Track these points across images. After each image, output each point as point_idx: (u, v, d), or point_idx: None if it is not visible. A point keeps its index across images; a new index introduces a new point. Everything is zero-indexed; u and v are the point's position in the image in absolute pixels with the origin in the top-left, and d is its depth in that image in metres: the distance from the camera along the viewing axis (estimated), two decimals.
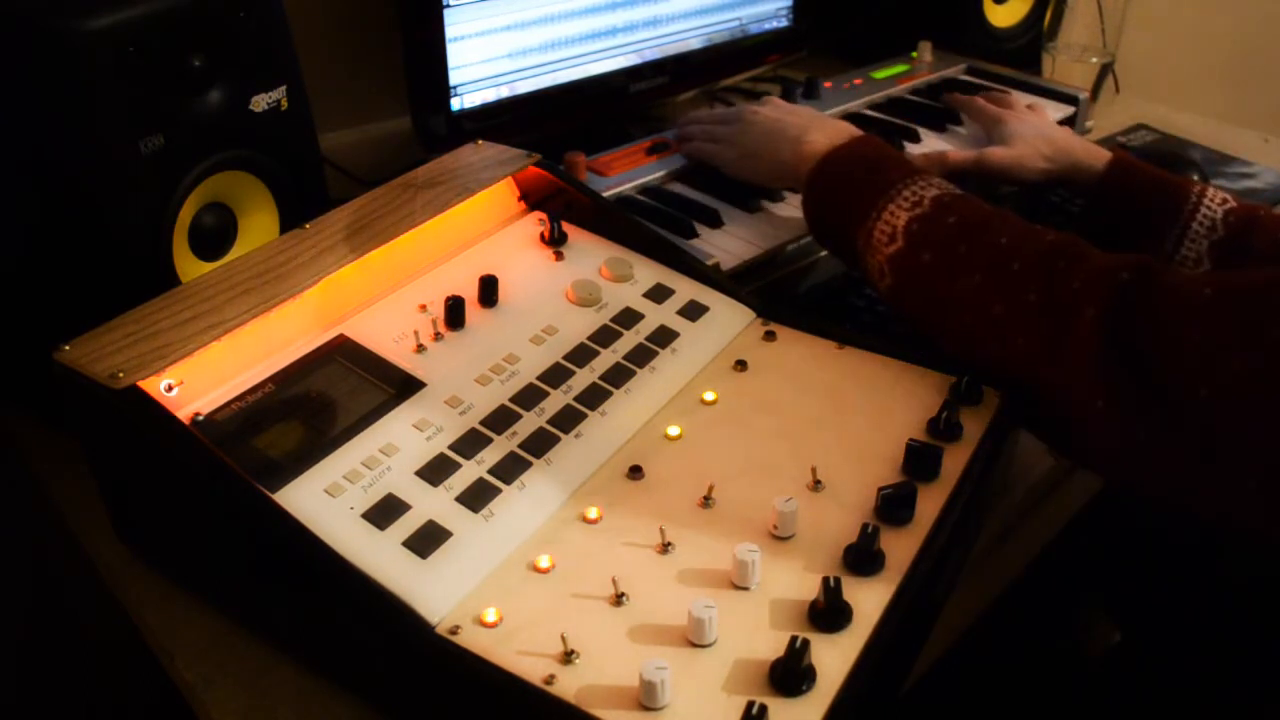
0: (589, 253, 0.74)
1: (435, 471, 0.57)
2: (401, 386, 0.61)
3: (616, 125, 1.12)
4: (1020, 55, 1.33)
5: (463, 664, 0.48)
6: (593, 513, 0.56)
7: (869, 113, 1.12)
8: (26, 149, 0.67)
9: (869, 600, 0.52)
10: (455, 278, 0.70)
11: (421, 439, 0.58)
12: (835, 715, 0.46)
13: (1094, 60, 1.28)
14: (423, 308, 0.67)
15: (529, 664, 0.48)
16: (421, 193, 0.72)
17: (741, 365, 0.68)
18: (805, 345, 0.70)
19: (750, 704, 0.44)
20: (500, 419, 0.60)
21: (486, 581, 0.52)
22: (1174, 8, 1.64)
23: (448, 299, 0.66)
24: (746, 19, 1.19)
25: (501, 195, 0.76)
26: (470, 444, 0.59)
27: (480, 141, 0.79)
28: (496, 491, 0.56)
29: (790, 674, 0.47)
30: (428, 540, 0.53)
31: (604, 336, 0.68)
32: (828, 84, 1.15)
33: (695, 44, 1.15)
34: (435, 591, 0.51)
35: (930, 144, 1.05)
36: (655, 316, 0.70)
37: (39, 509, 0.78)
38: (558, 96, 1.04)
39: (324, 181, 0.81)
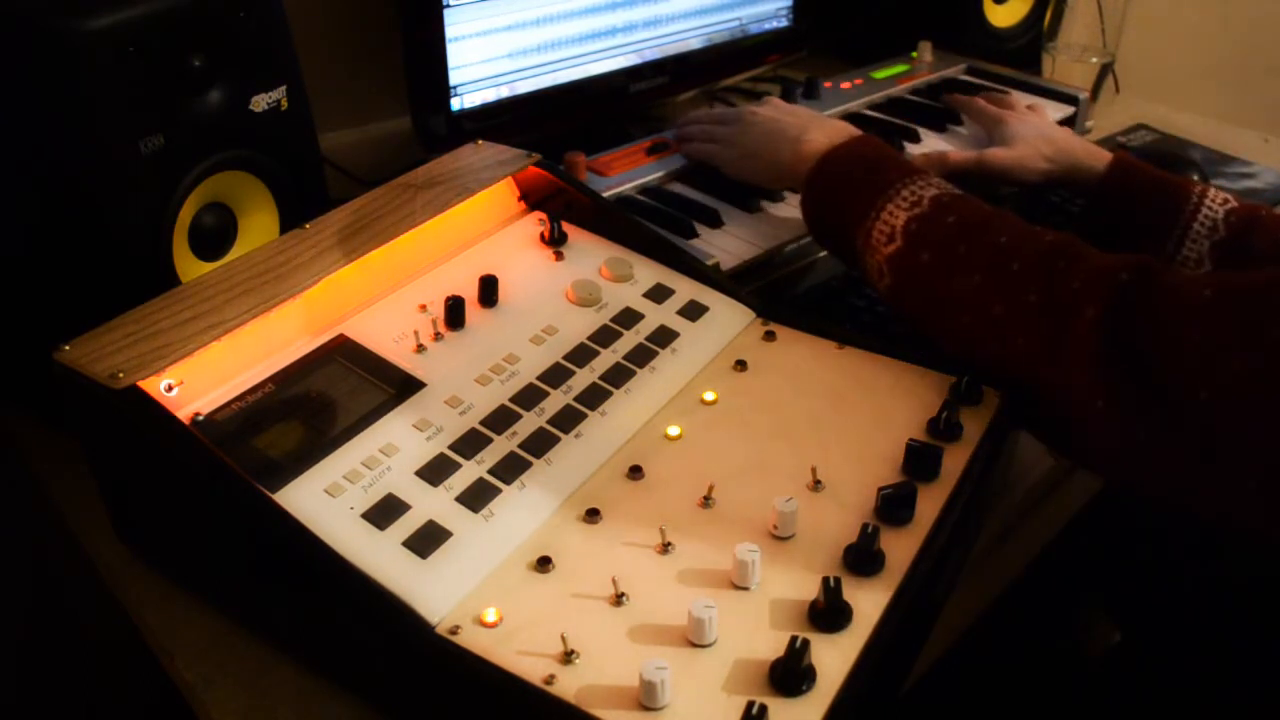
0: (589, 253, 0.74)
1: (435, 471, 0.57)
2: (401, 386, 0.61)
3: (616, 125, 1.12)
4: (1020, 55, 1.33)
5: (463, 664, 0.48)
6: (593, 513, 0.56)
7: (869, 113, 1.12)
8: (26, 149, 0.67)
9: (869, 600, 0.52)
10: (455, 278, 0.70)
11: (421, 439, 0.58)
12: (835, 715, 0.46)
13: (1094, 60, 1.28)
14: (423, 308, 0.67)
15: (529, 664, 0.48)
16: (421, 193, 0.72)
17: (741, 365, 0.68)
18: (805, 345, 0.70)
19: (750, 704, 0.44)
20: (500, 419, 0.60)
21: (486, 581, 0.52)
22: (1174, 8, 1.64)
23: (448, 299, 0.66)
24: (746, 19, 1.19)
25: (501, 195, 0.76)
26: (470, 444, 0.59)
27: (480, 141, 0.79)
28: (496, 491, 0.56)
29: (790, 674, 0.47)
30: (428, 540, 0.53)
31: (604, 336, 0.68)
32: (828, 84, 1.15)
33: (695, 44, 1.15)
34: (435, 591, 0.51)
35: (930, 144, 1.05)
36: (655, 316, 0.70)
37: (39, 509, 0.78)
38: (558, 96, 1.04)
39: (324, 181, 0.81)
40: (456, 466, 0.57)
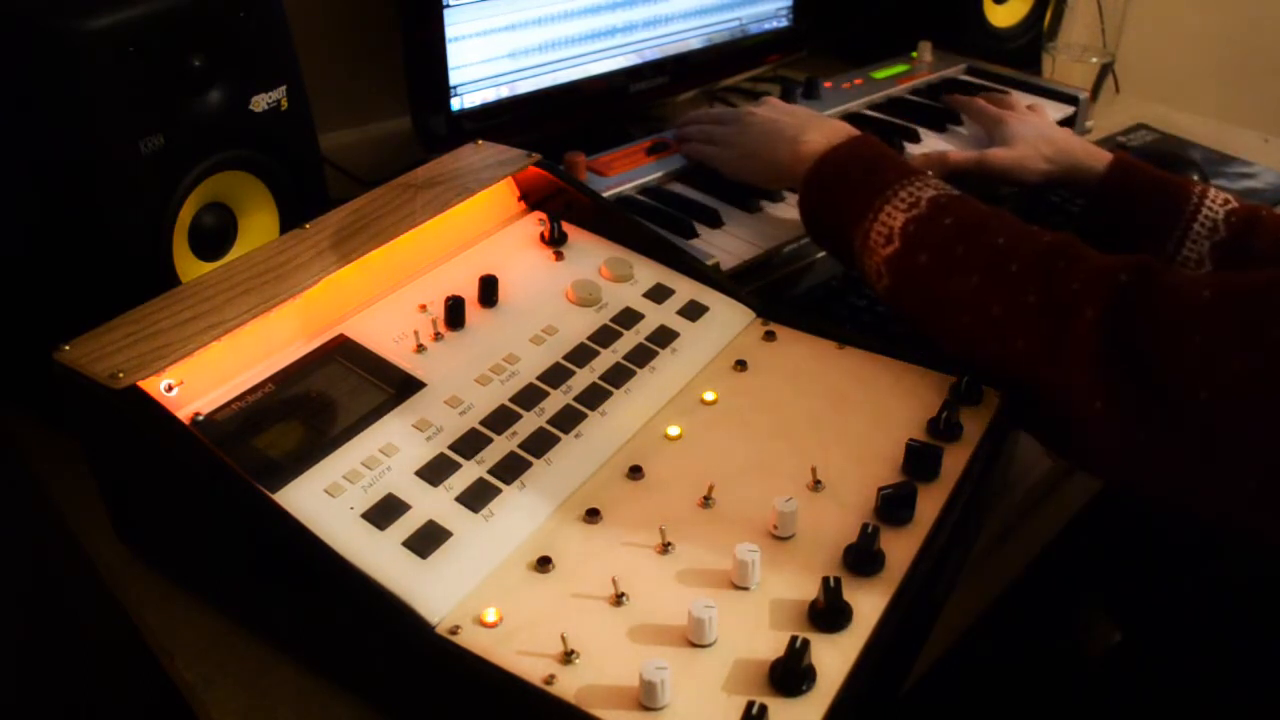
0: (589, 253, 0.74)
1: (435, 471, 0.57)
2: (401, 386, 0.61)
3: (616, 125, 1.12)
4: (1020, 55, 1.33)
5: (463, 664, 0.48)
6: (593, 513, 0.56)
7: (869, 113, 1.12)
8: (26, 149, 0.67)
9: (869, 600, 0.52)
10: (455, 278, 0.70)
11: (421, 439, 0.58)
12: (835, 715, 0.46)
13: (1094, 60, 1.28)
14: (423, 308, 0.67)
15: (529, 664, 0.48)
16: (421, 193, 0.72)
17: (741, 365, 0.68)
18: (805, 345, 0.70)
19: (750, 704, 0.44)
20: (500, 419, 0.60)
21: (486, 581, 0.52)
22: (1174, 8, 1.64)
23: (448, 299, 0.66)
24: (746, 19, 1.19)
25: (501, 195, 0.76)
26: (470, 444, 0.59)
27: (480, 141, 0.79)
28: (496, 491, 0.56)
29: (790, 674, 0.47)
30: (428, 540, 0.53)
31: (604, 336, 0.68)
32: (828, 84, 1.15)
33: (695, 44, 1.15)
34: (435, 591, 0.51)
35: (930, 144, 1.05)
36: (655, 316, 0.70)
37: (39, 509, 0.78)
38: (558, 96, 1.04)
39: (324, 181, 0.81)
40: (456, 466, 0.57)
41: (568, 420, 0.61)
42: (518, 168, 0.76)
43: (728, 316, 0.72)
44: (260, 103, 0.72)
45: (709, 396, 0.65)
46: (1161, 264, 0.62)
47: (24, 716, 1.14)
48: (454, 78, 0.95)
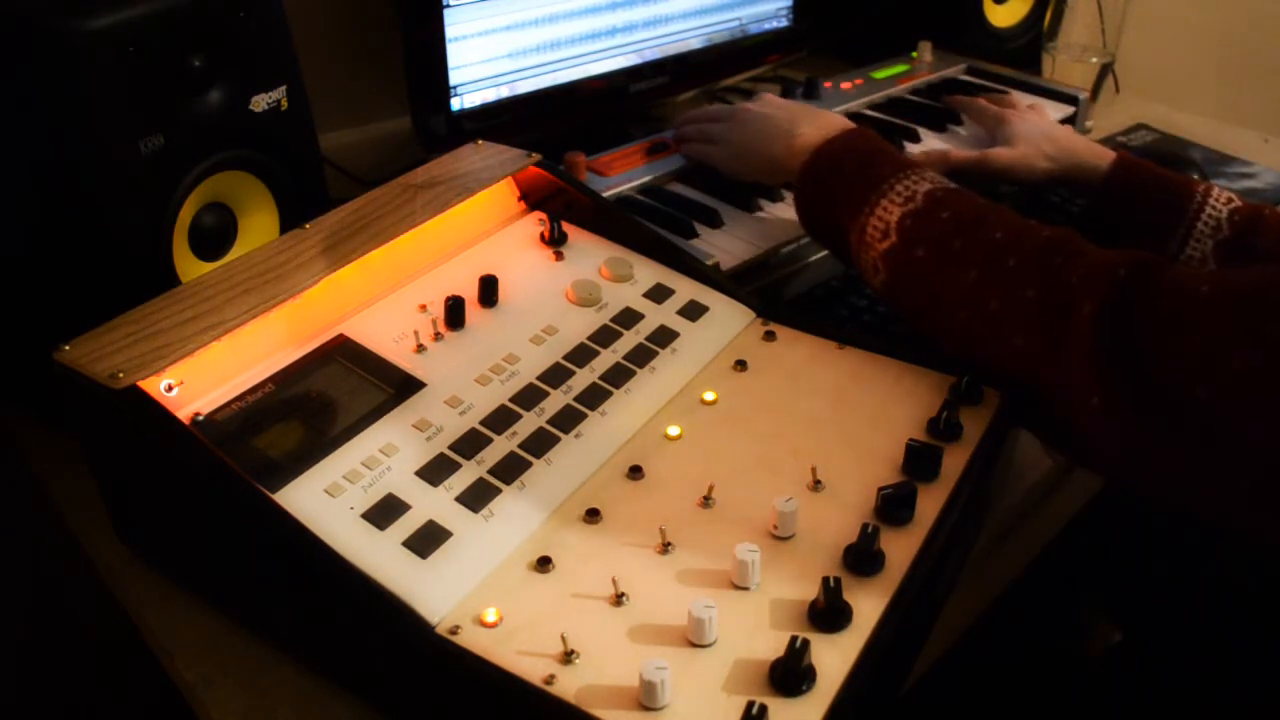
0: (589, 253, 0.74)
1: (435, 471, 0.57)
2: (401, 386, 0.61)
3: (616, 125, 1.12)
4: (1020, 55, 1.33)
5: (463, 664, 0.48)
6: (593, 513, 0.56)
7: (869, 113, 1.12)
8: (26, 149, 0.67)
9: (869, 600, 0.52)
10: (455, 278, 0.70)
11: (421, 439, 0.58)
12: (835, 715, 0.46)
13: (1094, 60, 1.28)
14: (423, 308, 0.67)
15: (529, 664, 0.48)
16: (421, 193, 0.72)
17: (741, 365, 0.68)
18: (805, 345, 0.70)
19: (750, 704, 0.44)
20: (500, 419, 0.60)
21: (486, 581, 0.52)
22: (1174, 8, 1.64)
23: (448, 299, 0.66)
24: (746, 19, 1.19)
25: (501, 195, 0.76)
26: (470, 444, 0.59)
27: (480, 141, 0.79)
28: (496, 491, 0.56)
29: (790, 674, 0.47)
30: (428, 540, 0.53)
31: (604, 336, 0.68)
32: (828, 84, 1.15)
33: (695, 44, 1.15)
34: (435, 591, 0.51)
35: (930, 144, 1.05)
36: (655, 316, 0.70)
37: (39, 509, 0.78)
38: (558, 96, 1.04)
39: (324, 181, 0.81)
40: (456, 466, 0.57)
41: (568, 420, 0.61)
42: (518, 168, 0.76)
43: (728, 316, 0.72)
44: (260, 103, 0.72)
45: (709, 396, 0.65)
46: (1160, 260, 0.62)
47: (24, 716, 1.14)
48: (454, 78, 0.95)
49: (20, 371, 0.76)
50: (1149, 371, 0.58)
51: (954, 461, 0.60)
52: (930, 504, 0.57)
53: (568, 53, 1.04)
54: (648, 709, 0.46)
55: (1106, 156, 0.92)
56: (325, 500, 0.54)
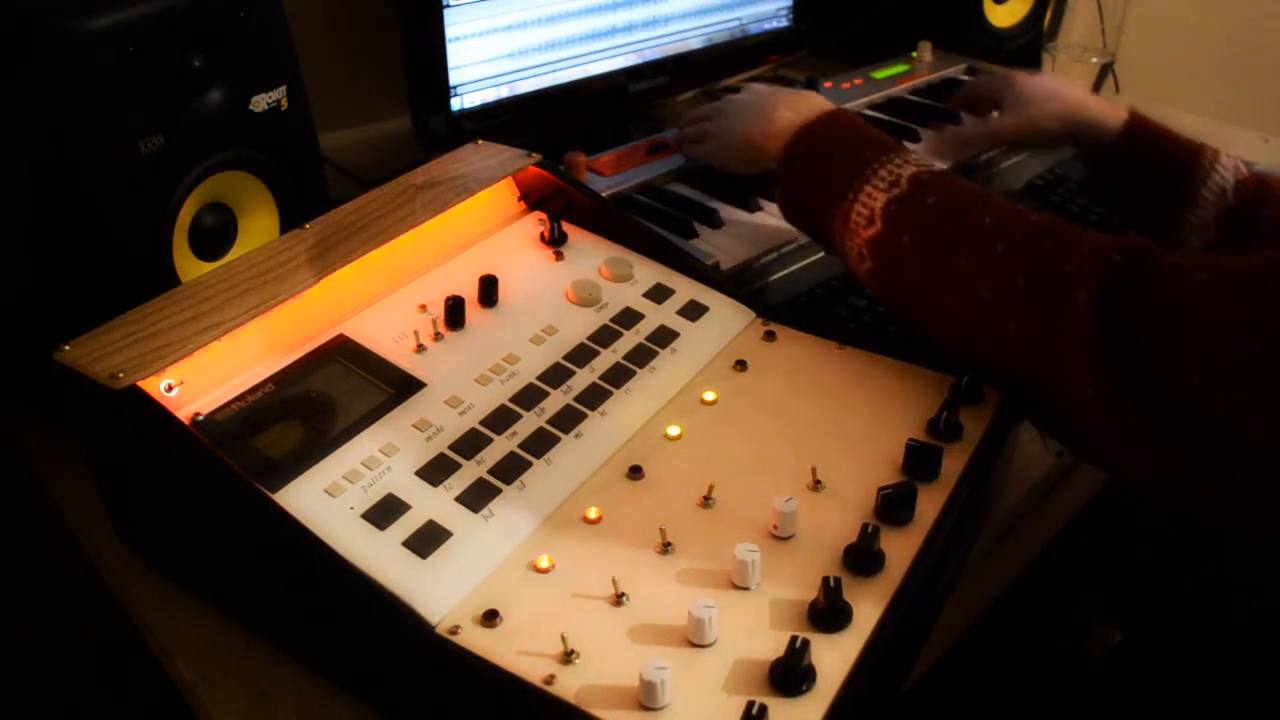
0: (589, 253, 0.74)
1: (435, 471, 0.57)
2: (401, 386, 0.61)
3: (616, 125, 1.12)
4: (1020, 55, 1.34)
5: (463, 664, 0.48)
6: (593, 513, 0.56)
7: (869, 113, 1.12)
8: (26, 149, 0.67)
9: (869, 600, 0.52)
10: (455, 278, 0.70)
11: (421, 439, 0.58)
12: (835, 715, 0.46)
13: (1094, 60, 1.28)
14: (423, 308, 0.67)
15: (529, 664, 0.48)
16: (421, 193, 0.72)
17: (741, 365, 0.68)
18: (805, 345, 0.70)
19: (750, 704, 0.44)
20: (500, 419, 0.60)
21: (486, 581, 0.52)
22: (1174, 8, 1.64)
23: (448, 299, 0.66)
24: (746, 19, 1.19)
25: (501, 195, 0.77)
26: (470, 444, 0.59)
27: (480, 141, 0.79)
28: (496, 491, 0.56)
29: (790, 674, 0.47)
30: (428, 540, 0.53)
31: (604, 336, 0.68)
32: (828, 84, 1.15)
33: (695, 44, 1.15)
34: (435, 591, 0.51)
35: (930, 141, 1.05)
36: (655, 316, 0.70)
37: (39, 509, 0.78)
38: (558, 96, 1.04)
39: (324, 181, 0.81)
40: (456, 466, 0.57)
41: (568, 420, 0.61)
42: (518, 168, 0.76)
43: (728, 316, 0.72)
44: (260, 103, 0.72)
45: (709, 396, 0.65)
46: (1154, 244, 0.60)
47: (24, 716, 1.14)
48: (454, 78, 0.95)
49: (20, 371, 0.76)
50: (1146, 360, 0.56)
51: (954, 461, 0.60)
52: (930, 504, 0.57)
53: (568, 53, 1.04)
54: (648, 709, 0.46)
55: (1118, 115, 0.89)
56: (325, 500, 0.54)
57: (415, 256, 0.70)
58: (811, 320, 0.72)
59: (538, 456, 0.59)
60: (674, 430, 0.62)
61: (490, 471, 0.57)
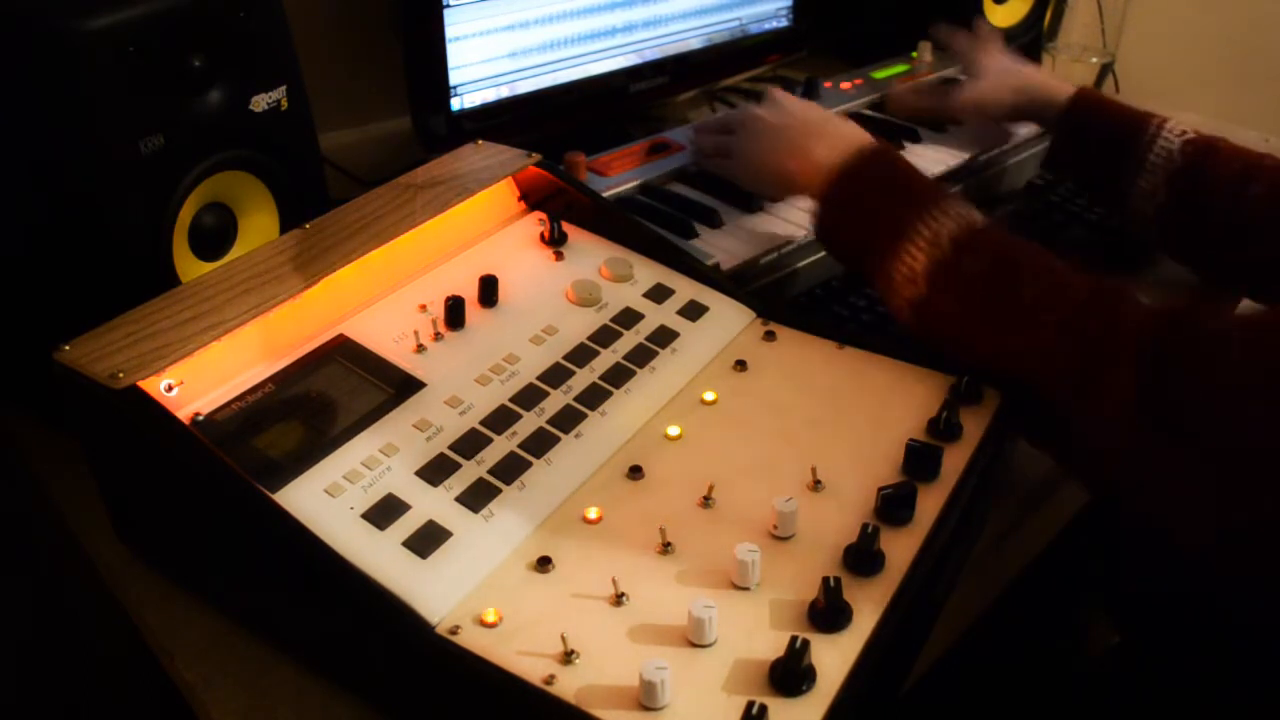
0: (589, 253, 0.74)
1: (435, 471, 0.57)
2: (401, 386, 0.61)
3: (616, 125, 1.12)
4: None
5: (463, 664, 0.48)
6: (593, 513, 0.56)
7: (869, 113, 1.12)
8: (26, 149, 0.67)
9: (869, 600, 0.52)
10: (455, 278, 0.70)
11: (421, 439, 0.58)
12: (835, 715, 0.46)
13: (1094, 60, 1.28)
14: (423, 308, 0.67)
15: (529, 664, 0.48)
16: (421, 193, 0.72)
17: (741, 365, 0.68)
18: (805, 345, 0.70)
19: (750, 704, 0.44)
20: (500, 419, 0.60)
21: (486, 581, 0.52)
22: (1174, 8, 1.64)
23: (448, 299, 0.66)
24: (746, 19, 1.19)
25: (501, 195, 0.76)
26: (470, 444, 0.59)
27: (480, 141, 0.79)
28: (496, 491, 0.56)
29: (790, 674, 0.47)
30: (428, 540, 0.53)
31: (604, 336, 0.68)
32: (828, 84, 1.15)
33: (695, 44, 1.15)
34: (435, 591, 0.51)
35: (930, 144, 1.05)
36: (655, 316, 0.70)
37: (39, 509, 0.78)
38: (558, 96, 1.04)
39: (324, 181, 0.81)
40: (456, 466, 0.57)
41: (568, 420, 0.61)
42: (518, 168, 0.76)
43: (728, 316, 0.72)
44: (260, 103, 0.72)
45: (709, 396, 0.65)
46: (1188, 310, 0.61)
47: (24, 716, 1.14)
48: (454, 78, 0.95)
49: (20, 371, 0.76)
50: (1185, 427, 0.58)
51: (954, 461, 0.60)
52: (930, 504, 0.57)
53: (568, 53, 1.04)
54: (648, 709, 0.46)
55: (1067, 90, 0.94)
56: (325, 500, 0.54)
57: (415, 256, 0.70)
58: (811, 320, 0.72)
59: (538, 456, 0.59)
60: (674, 430, 0.62)
61: (490, 471, 0.57)
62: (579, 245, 0.75)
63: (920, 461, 0.59)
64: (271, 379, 0.60)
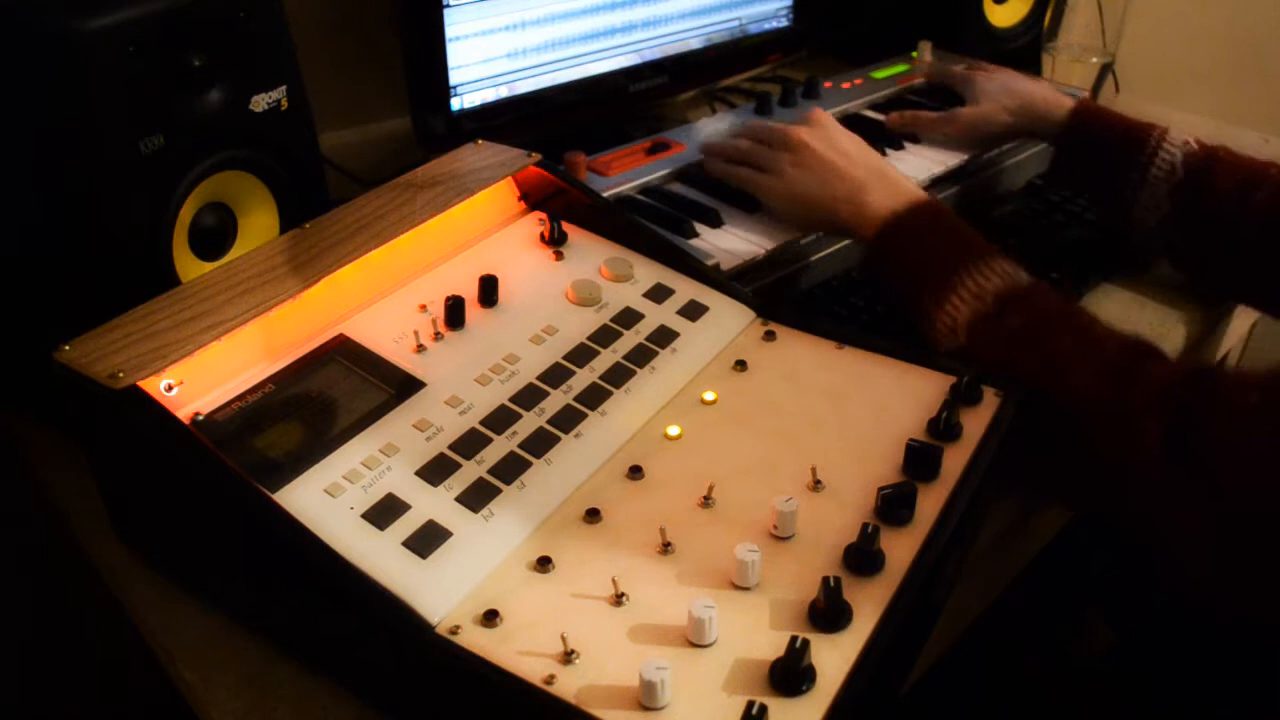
0: (589, 253, 0.74)
1: (435, 471, 0.57)
2: (401, 386, 0.61)
3: (616, 125, 1.12)
4: (1020, 55, 1.33)
5: (463, 664, 0.48)
6: (593, 513, 0.56)
7: (869, 113, 1.12)
8: (26, 149, 0.67)
9: (869, 600, 0.52)
10: (455, 278, 0.70)
11: (421, 439, 0.58)
12: (835, 715, 0.46)
13: (1094, 60, 1.28)
14: (423, 308, 0.67)
15: (529, 664, 0.48)
16: (421, 193, 0.72)
17: (741, 365, 0.68)
18: (805, 345, 0.70)
19: (750, 704, 0.44)
20: (500, 419, 0.60)
21: (486, 581, 0.52)
22: (1174, 8, 1.64)
23: (448, 299, 0.66)
24: (746, 19, 1.19)
25: (501, 195, 0.77)
26: (470, 444, 0.59)
27: (480, 141, 0.79)
28: (496, 491, 0.56)
29: (790, 674, 0.47)
30: (428, 540, 0.53)
31: (604, 336, 0.68)
32: (828, 84, 1.15)
33: (695, 44, 1.15)
34: (435, 591, 0.51)
35: (929, 145, 1.05)
36: (655, 316, 0.70)
37: (39, 509, 0.78)
38: (558, 96, 1.04)
39: (324, 181, 0.81)
40: (456, 466, 0.57)
41: (568, 420, 0.61)
42: (518, 168, 0.76)
43: (728, 316, 0.72)
44: (260, 103, 0.72)
45: (709, 396, 0.65)
46: (1209, 372, 0.63)
47: (24, 717, 1.14)
48: (454, 78, 0.95)
49: (20, 371, 0.76)
50: (1211, 486, 0.59)
51: (954, 461, 0.60)
52: (930, 504, 0.57)
53: (567, 53, 1.04)
54: (648, 709, 0.46)
55: (1065, 105, 0.94)
56: (325, 500, 0.54)
57: (415, 256, 0.70)
58: (811, 320, 0.72)
59: (538, 456, 0.59)
60: (674, 430, 0.62)
61: (490, 471, 0.57)
62: (579, 245, 0.75)
63: (920, 461, 0.59)
64: (271, 379, 0.60)
